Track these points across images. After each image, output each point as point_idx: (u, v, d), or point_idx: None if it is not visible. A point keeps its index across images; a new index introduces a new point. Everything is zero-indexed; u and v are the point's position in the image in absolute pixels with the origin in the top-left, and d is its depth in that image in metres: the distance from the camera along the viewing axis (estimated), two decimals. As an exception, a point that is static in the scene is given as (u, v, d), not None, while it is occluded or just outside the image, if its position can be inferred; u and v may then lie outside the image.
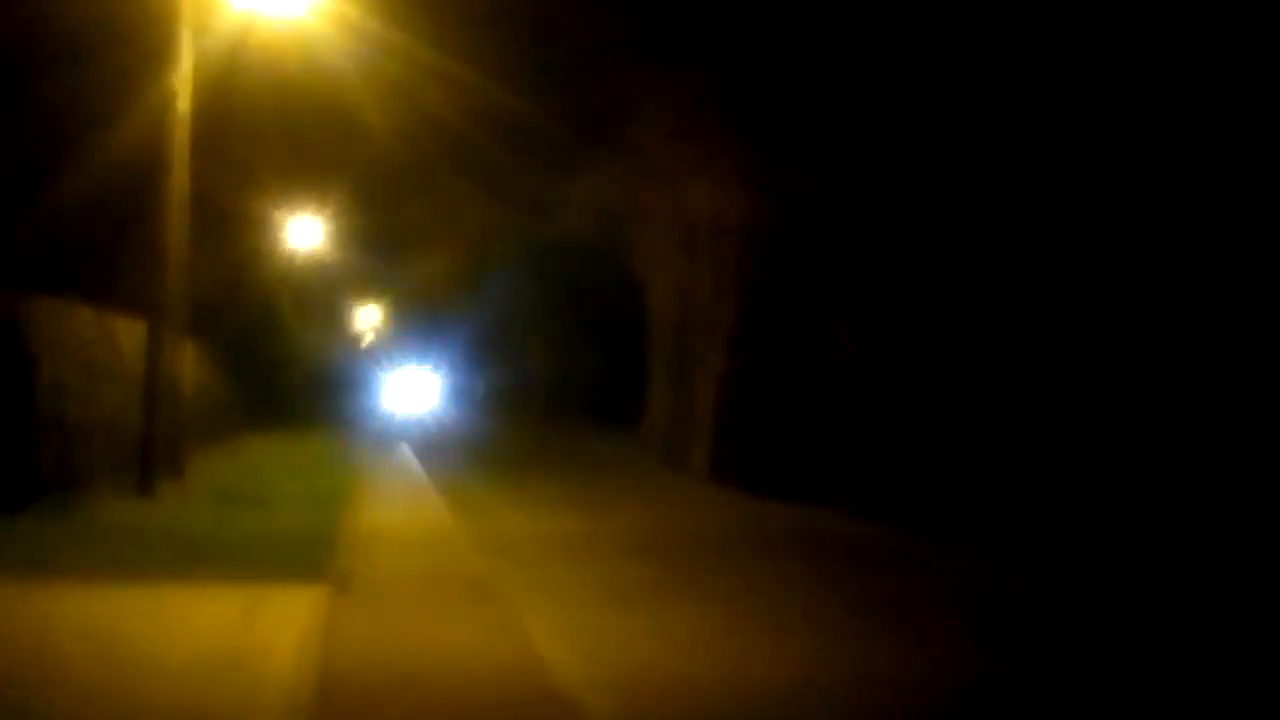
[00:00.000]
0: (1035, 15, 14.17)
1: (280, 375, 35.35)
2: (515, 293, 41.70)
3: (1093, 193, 14.11)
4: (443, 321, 51.83)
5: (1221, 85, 11.99)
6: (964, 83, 15.64)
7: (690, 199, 22.26)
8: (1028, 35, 14.46)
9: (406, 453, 27.29)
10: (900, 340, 17.36)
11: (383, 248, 39.17)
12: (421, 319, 54.12)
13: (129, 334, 16.55)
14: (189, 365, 18.43)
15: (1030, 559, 12.29)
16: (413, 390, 56.02)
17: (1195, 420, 12.18)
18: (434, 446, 30.32)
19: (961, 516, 14.38)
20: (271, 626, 7.96)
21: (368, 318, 54.58)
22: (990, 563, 12.38)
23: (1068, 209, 14.65)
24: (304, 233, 33.11)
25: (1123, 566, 11.74)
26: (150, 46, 15.42)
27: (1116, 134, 13.46)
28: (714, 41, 19.32)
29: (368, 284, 47.19)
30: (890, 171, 17.26)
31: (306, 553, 11.08)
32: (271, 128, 22.94)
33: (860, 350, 18.08)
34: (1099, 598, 10.72)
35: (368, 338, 57.40)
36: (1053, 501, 13.88)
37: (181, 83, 14.97)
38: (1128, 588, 11.03)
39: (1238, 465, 11.45)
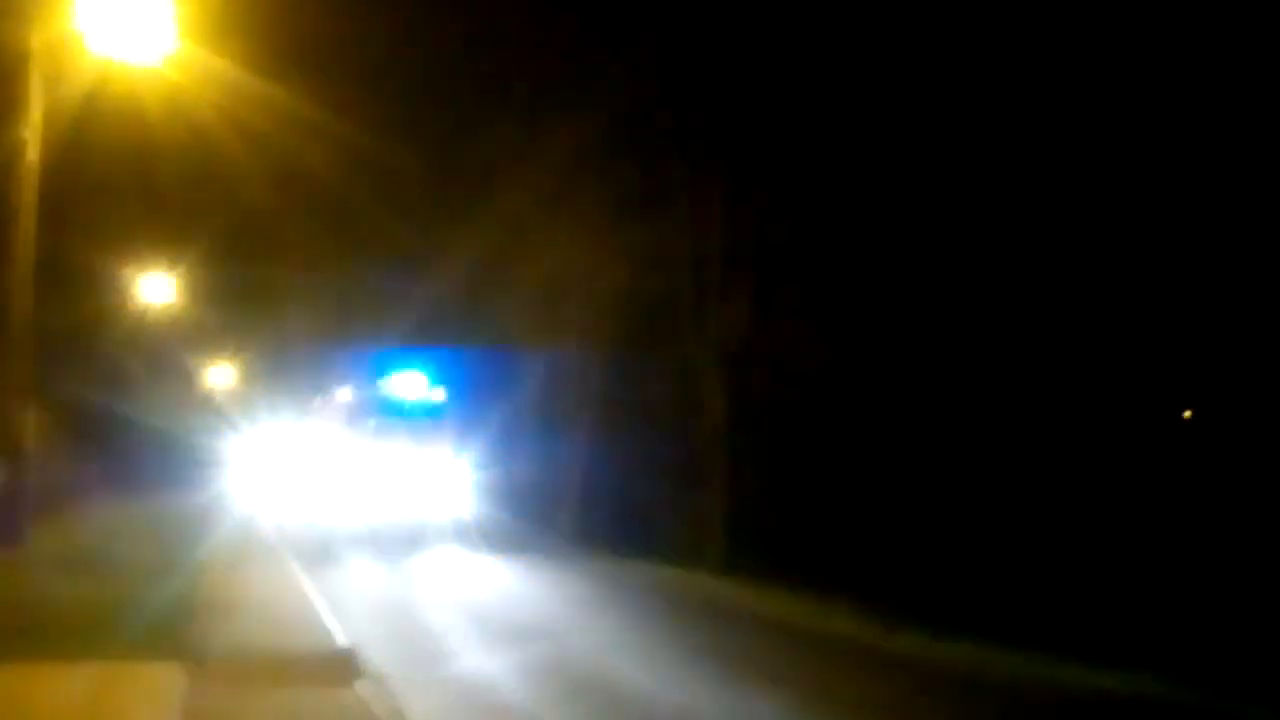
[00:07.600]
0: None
1: (132, 438, 33.88)
2: (380, 351, 40.84)
3: (932, 262, 14.69)
4: (303, 380, 50.42)
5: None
6: (828, 147, 16.09)
7: (561, 260, 22.25)
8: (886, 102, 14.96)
9: (262, 517, 26.38)
10: (764, 402, 17.62)
11: (242, 305, 37.99)
12: (282, 377, 52.63)
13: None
14: (31, 427, 17.46)
15: (896, 607, 12.55)
16: (271, 451, 54.42)
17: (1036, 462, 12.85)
18: (293, 512, 29.39)
19: (827, 571, 14.59)
20: (120, 709, 7.45)
21: (224, 378, 52.87)
22: (856, 613, 12.59)
23: (917, 275, 15.18)
24: (156, 290, 31.98)
25: (986, 612, 12.10)
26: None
27: (974, 208, 14.01)
28: (586, 104, 19.43)
29: (226, 343, 45.73)
30: (756, 235, 17.59)
31: (158, 626, 10.47)
32: (125, 180, 22.12)
33: (726, 411, 18.25)
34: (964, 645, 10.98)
35: (224, 398, 55.61)
36: (913, 551, 14.22)
37: (31, 132, 14.32)
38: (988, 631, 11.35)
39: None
